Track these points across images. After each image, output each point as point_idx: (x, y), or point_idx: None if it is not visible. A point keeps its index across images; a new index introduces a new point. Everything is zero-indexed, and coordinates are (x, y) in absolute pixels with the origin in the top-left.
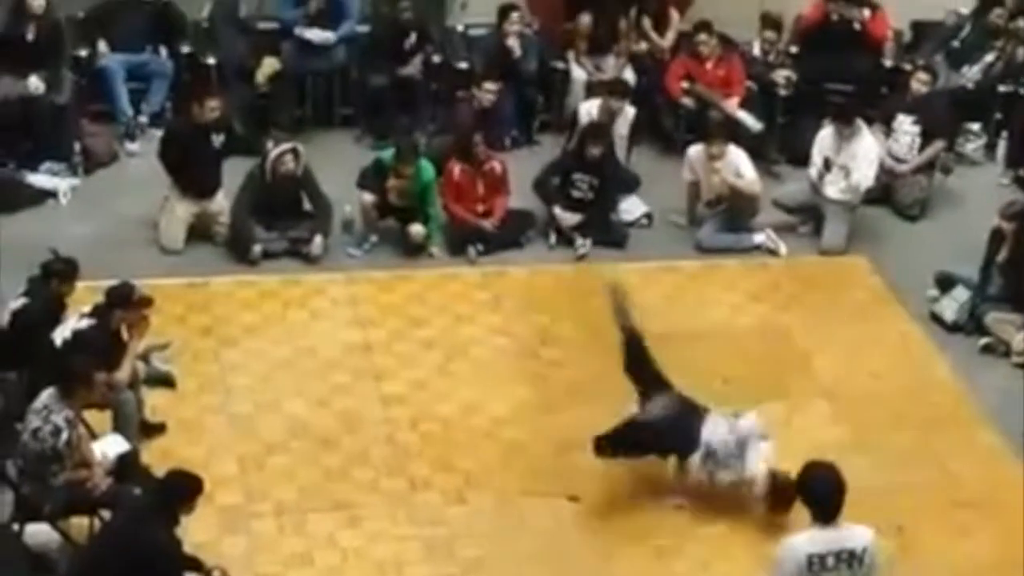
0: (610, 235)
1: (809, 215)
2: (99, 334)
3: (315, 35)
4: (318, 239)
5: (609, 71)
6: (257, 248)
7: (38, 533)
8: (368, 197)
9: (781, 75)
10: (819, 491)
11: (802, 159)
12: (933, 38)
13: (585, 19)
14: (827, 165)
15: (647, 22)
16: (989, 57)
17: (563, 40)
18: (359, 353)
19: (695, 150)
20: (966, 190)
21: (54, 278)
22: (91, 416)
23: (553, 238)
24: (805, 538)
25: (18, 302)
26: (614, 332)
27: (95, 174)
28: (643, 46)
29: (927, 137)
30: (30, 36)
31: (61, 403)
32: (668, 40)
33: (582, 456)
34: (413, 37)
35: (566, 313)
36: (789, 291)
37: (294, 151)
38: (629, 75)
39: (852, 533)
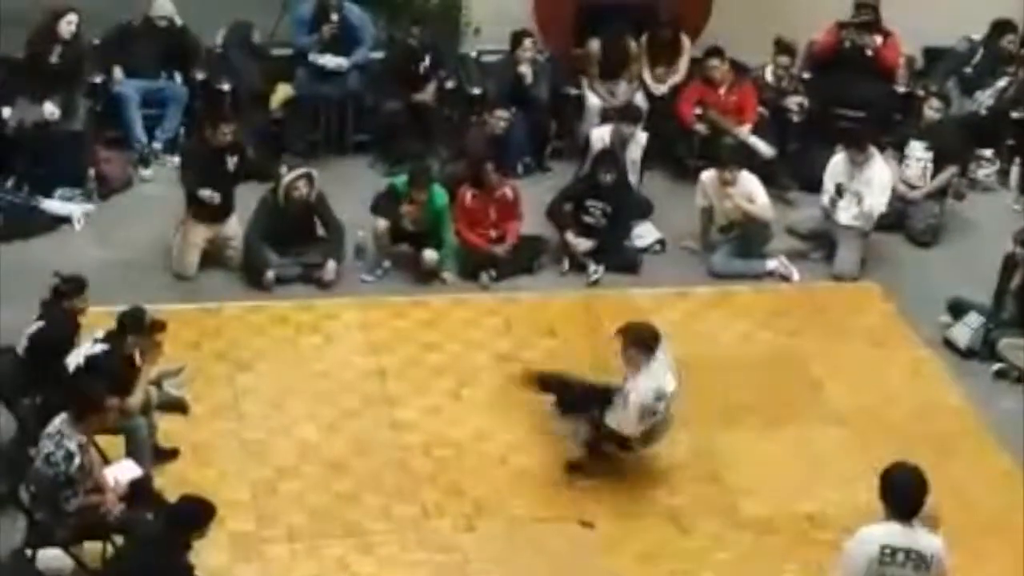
0: (623, 261)
1: (822, 241)
2: (112, 359)
3: (329, 61)
4: (331, 264)
5: (621, 95)
6: (270, 273)
7: (51, 559)
8: (382, 223)
9: (793, 101)
10: (900, 489)
11: (814, 185)
12: (945, 64)
13: (594, 44)
14: (839, 191)
15: (657, 69)
16: (1001, 83)
17: (575, 66)
18: (371, 378)
19: (708, 176)
20: (979, 216)
21: (65, 298)
22: (104, 441)
23: (566, 264)
24: (883, 530)
25: (34, 326)
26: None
27: (109, 200)
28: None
29: (939, 163)
30: (54, 59)
31: (74, 428)
32: (681, 69)
33: (593, 481)
34: (427, 62)
35: (578, 339)
36: (801, 317)
37: (307, 176)
38: (641, 100)
39: (924, 538)
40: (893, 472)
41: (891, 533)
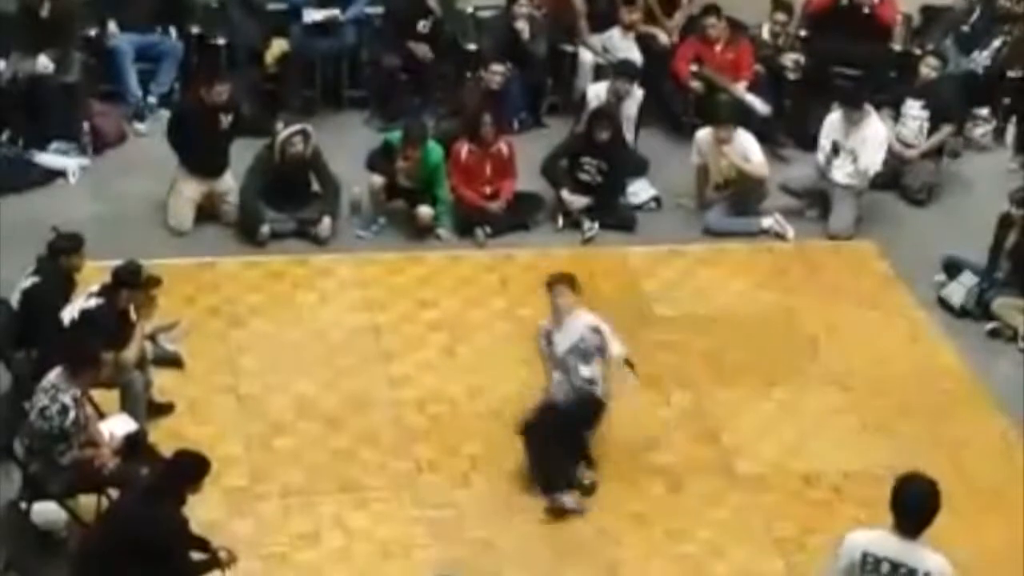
0: (618, 218)
1: (816, 199)
2: (106, 314)
3: (320, 14)
4: (326, 220)
5: (617, 47)
6: (265, 228)
7: (46, 511)
8: (377, 179)
9: (790, 59)
10: (909, 504)
11: (810, 143)
12: (942, 23)
13: None
14: (835, 149)
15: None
16: (998, 42)
17: (569, 22)
18: (367, 335)
19: (703, 133)
20: (974, 175)
21: (61, 255)
22: (99, 396)
23: (561, 221)
24: (871, 536)
25: (28, 281)
26: (622, 313)
27: (104, 154)
28: (664, 39)
29: (936, 122)
30: (44, 14)
31: (68, 382)
32: (676, 22)
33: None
34: (429, 19)
35: None
36: (797, 275)
37: (303, 133)
38: (636, 56)
39: (922, 554)
40: (906, 485)
41: (879, 542)
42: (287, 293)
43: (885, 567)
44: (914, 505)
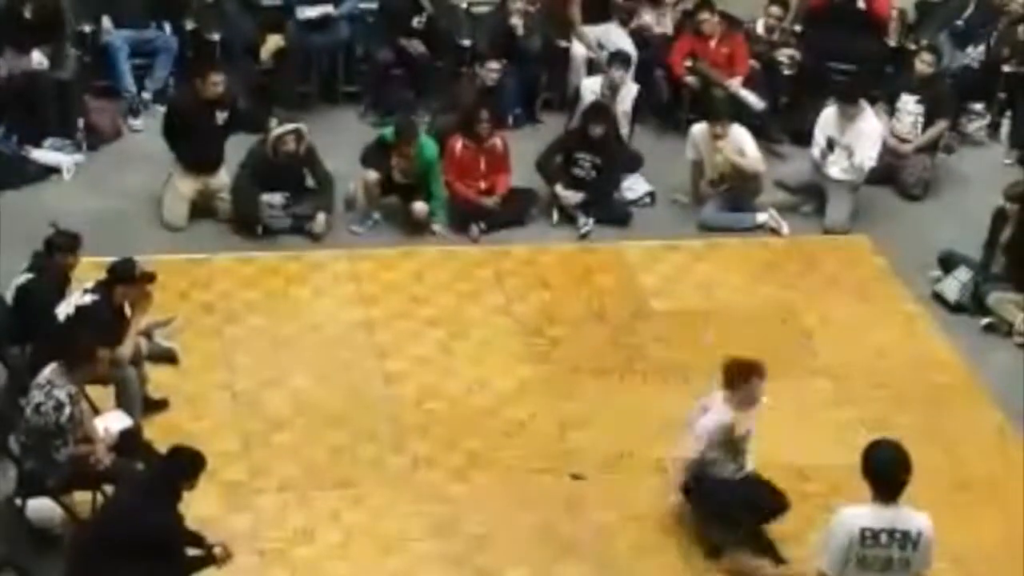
0: (613, 213)
1: (811, 194)
2: (102, 310)
3: (313, 11)
4: (321, 216)
5: (612, 36)
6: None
7: (41, 508)
8: (371, 174)
9: (785, 54)
10: (882, 468)
11: (805, 138)
12: (937, 18)
13: None
14: (830, 145)
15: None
16: (992, 37)
17: (563, 16)
18: (362, 330)
19: (698, 129)
20: (969, 170)
21: (58, 252)
22: (94, 392)
23: (555, 216)
24: (862, 511)
25: (23, 277)
26: (619, 308)
27: (99, 150)
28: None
29: (931, 117)
30: (27, 15)
31: (64, 378)
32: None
33: (585, 434)
34: (423, 15)
35: (568, 291)
36: (792, 270)
37: (296, 132)
38: (631, 49)
39: (909, 516)
40: (874, 450)
41: (871, 515)
42: (282, 288)
43: (884, 538)
44: (889, 471)
